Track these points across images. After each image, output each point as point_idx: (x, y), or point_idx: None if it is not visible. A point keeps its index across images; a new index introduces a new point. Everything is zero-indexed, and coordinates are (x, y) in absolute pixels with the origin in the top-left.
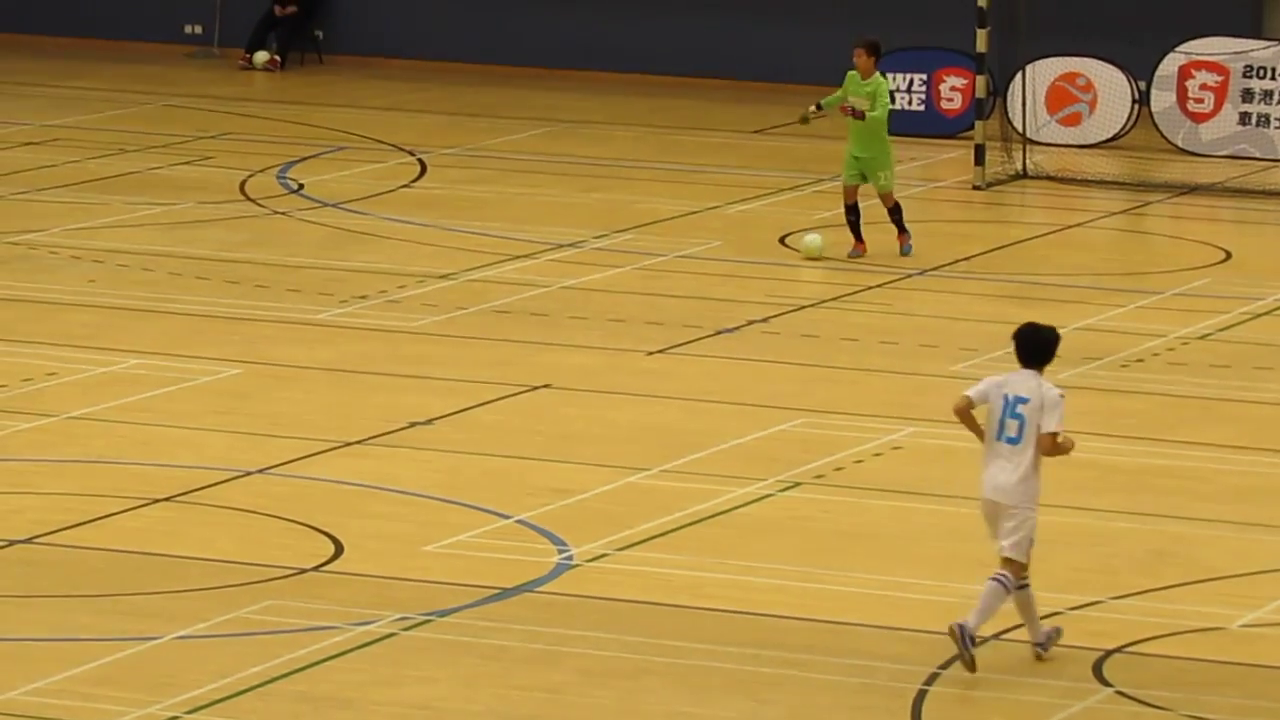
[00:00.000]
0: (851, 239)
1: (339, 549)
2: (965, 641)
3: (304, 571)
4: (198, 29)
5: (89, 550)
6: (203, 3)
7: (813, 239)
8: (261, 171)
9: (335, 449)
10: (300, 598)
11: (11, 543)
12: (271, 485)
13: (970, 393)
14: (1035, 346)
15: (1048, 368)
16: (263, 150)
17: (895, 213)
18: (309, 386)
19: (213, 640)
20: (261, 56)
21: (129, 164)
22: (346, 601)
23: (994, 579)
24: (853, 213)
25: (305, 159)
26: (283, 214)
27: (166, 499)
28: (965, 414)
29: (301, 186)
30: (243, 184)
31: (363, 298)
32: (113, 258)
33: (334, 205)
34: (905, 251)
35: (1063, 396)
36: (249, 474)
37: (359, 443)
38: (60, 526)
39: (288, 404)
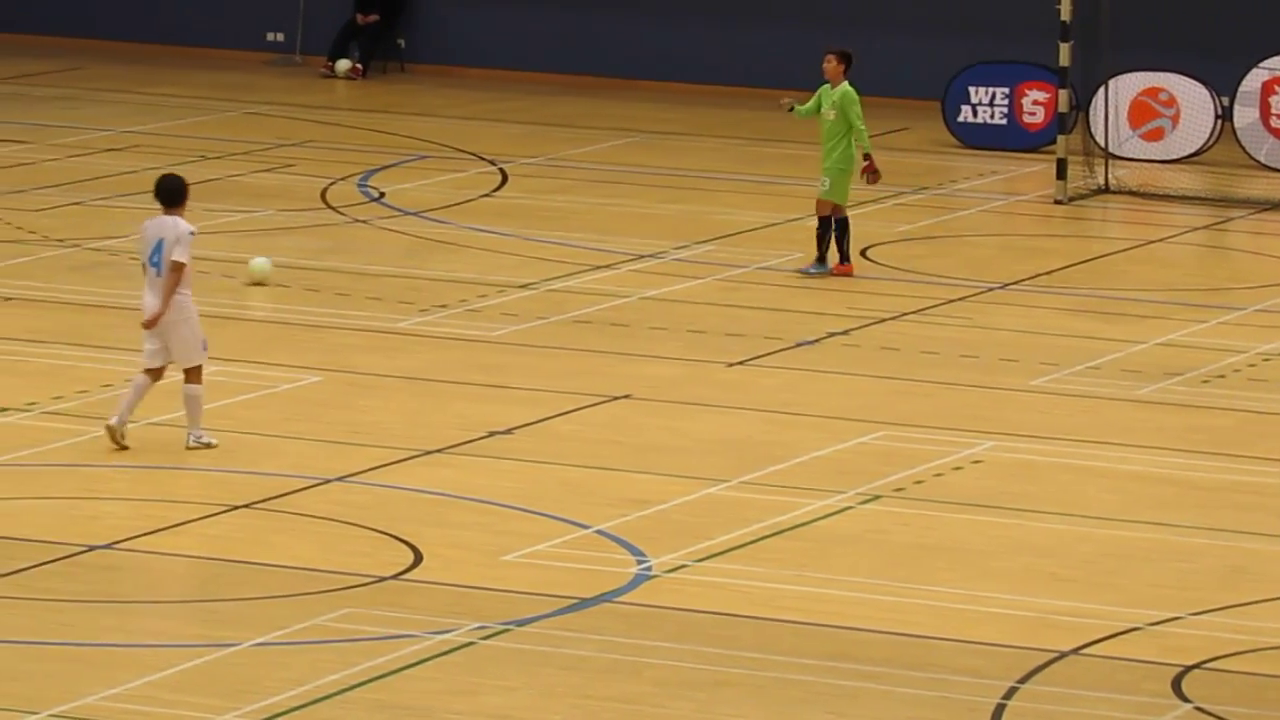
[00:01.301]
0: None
1: (418, 557)
2: None
3: (383, 580)
4: (280, 36)
5: (168, 556)
6: (285, 10)
7: (258, 263)
8: (342, 179)
9: (415, 457)
10: (379, 606)
11: (91, 548)
12: (351, 493)
13: None
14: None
15: None
16: (344, 158)
17: (828, 228)
18: (389, 395)
19: (291, 648)
20: (343, 64)
21: (210, 171)
22: (425, 610)
23: None
24: (822, 226)
25: (386, 167)
26: (363, 222)
27: (246, 506)
28: None
29: (382, 195)
30: (324, 192)
31: (443, 306)
32: (193, 264)
33: (414, 214)
34: (807, 270)
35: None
36: (328, 482)
37: (438, 451)
38: (140, 532)
39: (367, 412)
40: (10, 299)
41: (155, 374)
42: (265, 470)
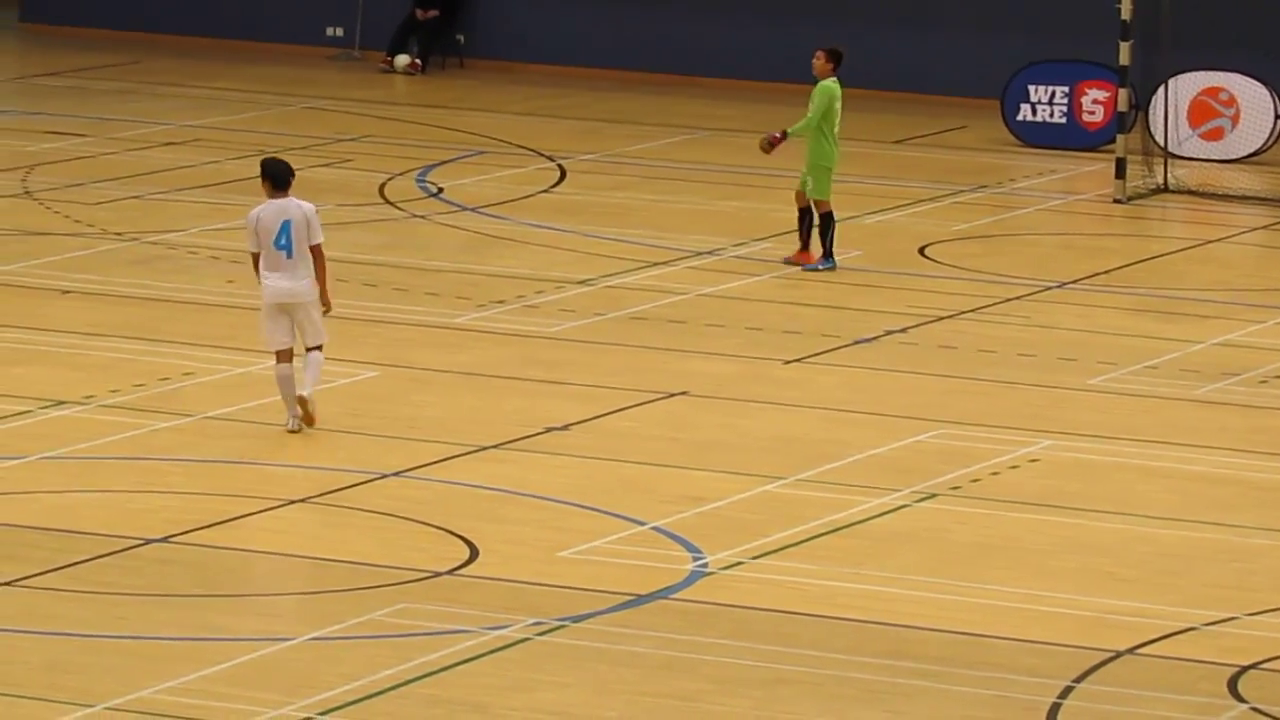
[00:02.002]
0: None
1: (474, 553)
2: None
3: (439, 575)
4: (339, 31)
5: (225, 550)
6: (345, 5)
7: None
8: (401, 175)
9: (471, 453)
10: (435, 601)
11: (147, 541)
12: (408, 488)
13: None
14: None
15: None
16: (402, 153)
17: (809, 222)
18: (446, 390)
19: (347, 642)
20: (403, 60)
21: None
22: (481, 605)
23: None
24: (803, 218)
25: (445, 163)
26: (422, 217)
27: (303, 500)
28: None
29: (441, 190)
30: (382, 187)
31: (500, 302)
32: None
33: (473, 209)
34: (807, 267)
35: None
36: (385, 477)
37: (495, 447)
38: (196, 526)
39: (425, 407)
40: (69, 292)
41: (289, 356)
42: (323, 465)
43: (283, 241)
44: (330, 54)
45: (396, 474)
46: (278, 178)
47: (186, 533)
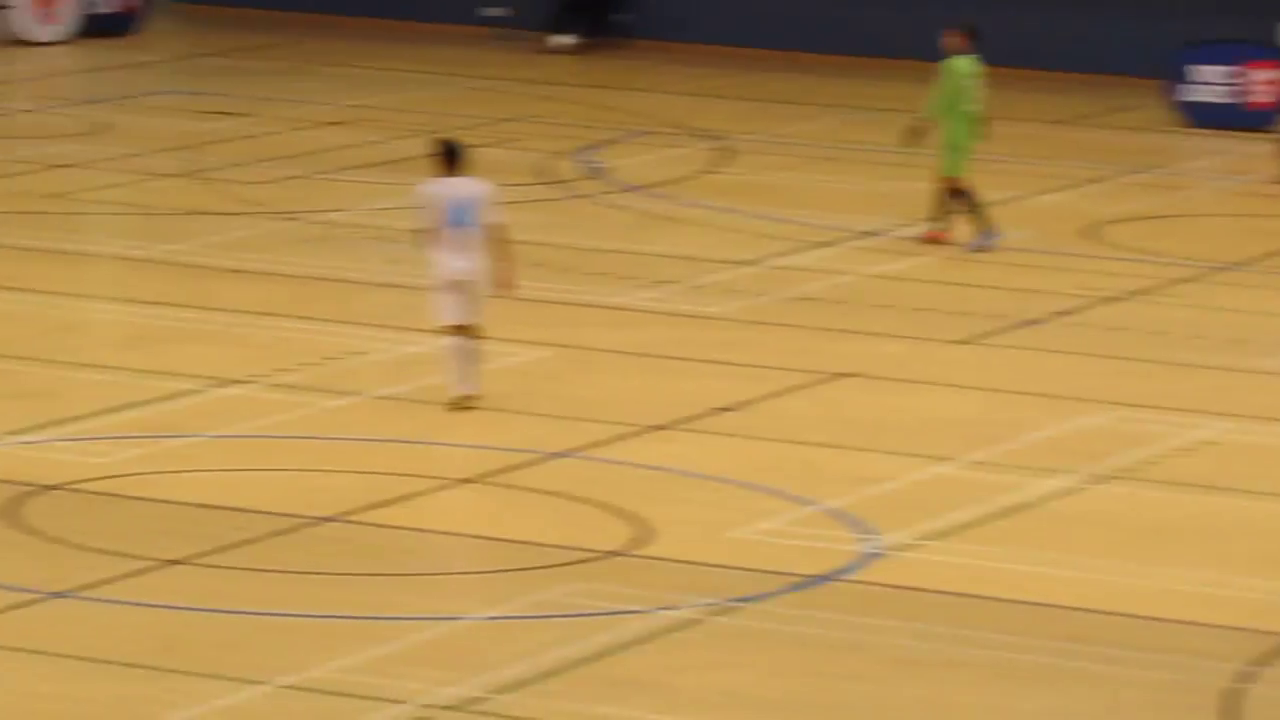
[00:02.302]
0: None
1: (645, 533)
2: None
3: (611, 555)
4: (500, 11)
5: (397, 530)
6: None
7: None
8: (563, 154)
9: (641, 433)
10: (607, 581)
11: (320, 520)
12: (579, 468)
13: None
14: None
15: None
16: (565, 133)
17: (958, 198)
18: (615, 370)
19: (519, 622)
20: (564, 39)
21: (427, 152)
22: (652, 585)
23: None
24: (956, 196)
25: (607, 143)
26: (585, 197)
27: (475, 480)
28: None
29: (604, 170)
30: (544, 167)
31: (667, 283)
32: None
33: (637, 189)
34: (971, 246)
35: None
36: (557, 456)
37: (664, 427)
38: (369, 505)
39: (595, 388)
40: (235, 271)
41: (460, 330)
42: (494, 445)
43: (459, 220)
44: (491, 33)
45: (566, 454)
46: (453, 156)
47: (359, 511)
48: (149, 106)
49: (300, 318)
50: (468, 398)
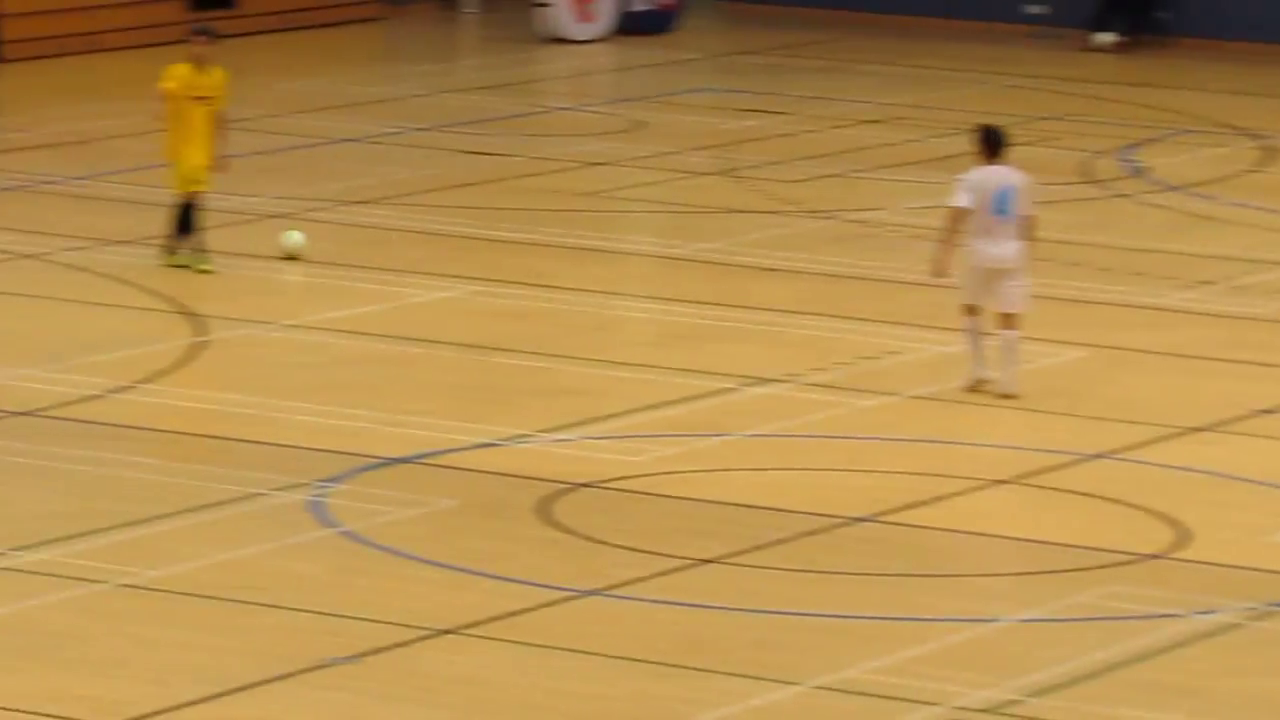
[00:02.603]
0: None
1: (1182, 536)
2: None
3: (1146, 558)
4: (1039, 9)
5: (931, 530)
6: None
7: (291, 238)
8: (1103, 153)
9: (1177, 435)
10: (1143, 584)
11: (854, 520)
12: (1113, 470)
13: None
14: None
15: None
16: (1104, 132)
17: None
18: (1151, 371)
19: (1054, 624)
20: (1104, 37)
21: (968, 144)
22: (1190, 589)
23: None
24: None
25: (1147, 142)
26: (1125, 197)
27: (1008, 481)
28: None
29: (1144, 169)
30: (1084, 166)
31: (1208, 283)
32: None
33: (1177, 189)
34: None
35: None
36: (1091, 458)
37: (1201, 429)
38: (902, 505)
39: (1130, 389)
40: (771, 270)
41: (979, 310)
42: (1029, 445)
43: (1000, 208)
44: (1030, 31)
45: (1103, 455)
46: (995, 144)
47: (892, 511)
48: (685, 104)
49: (835, 316)
50: (983, 383)
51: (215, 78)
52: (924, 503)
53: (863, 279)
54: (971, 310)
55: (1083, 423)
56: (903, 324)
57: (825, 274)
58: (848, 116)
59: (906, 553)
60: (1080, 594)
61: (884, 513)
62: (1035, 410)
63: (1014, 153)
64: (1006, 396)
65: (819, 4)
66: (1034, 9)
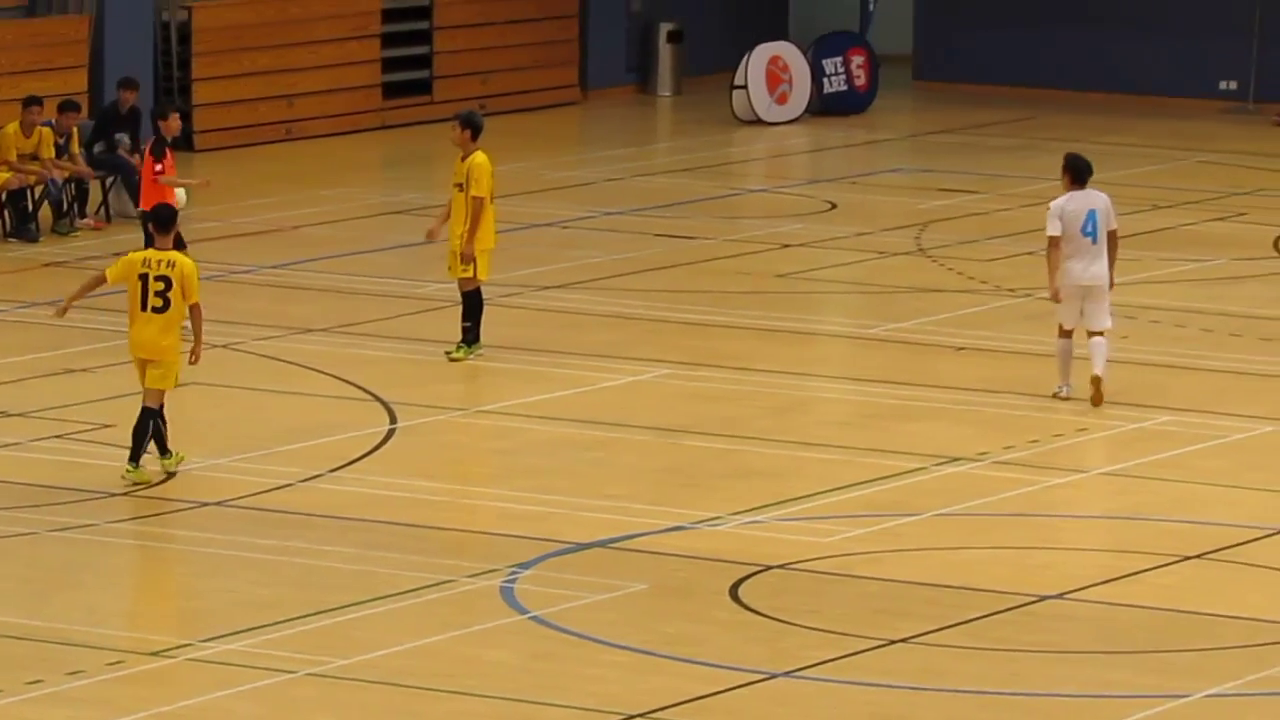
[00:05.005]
0: None
1: None
2: None
3: None
4: (1233, 85)
5: (1122, 607)
6: (1238, 58)
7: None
8: None
9: None
10: None
11: (1043, 598)
12: None
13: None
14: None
15: None
16: None
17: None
18: None
19: (1244, 699)
20: None
21: (1162, 220)
22: None
23: None
24: None
25: None
26: None
27: (1200, 556)
28: None
29: None
30: (1276, 240)
31: None
32: (1145, 313)
33: None
34: None
35: None
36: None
37: None
38: (1093, 582)
39: None
40: (964, 348)
41: (1070, 334)
42: (1219, 520)
43: (1088, 229)
44: (1224, 107)
45: None
46: (1079, 171)
47: (1083, 589)
48: (879, 184)
49: (1027, 394)
50: (1096, 391)
51: (466, 165)
52: (1114, 579)
53: (1054, 356)
54: (1064, 332)
55: (1273, 496)
56: (1087, 401)
57: (1017, 352)
58: (1040, 195)
59: (1097, 629)
60: (1271, 668)
61: (1074, 590)
62: (1228, 485)
63: (1207, 230)
64: (1096, 381)
65: (1011, 82)
66: (1227, 84)
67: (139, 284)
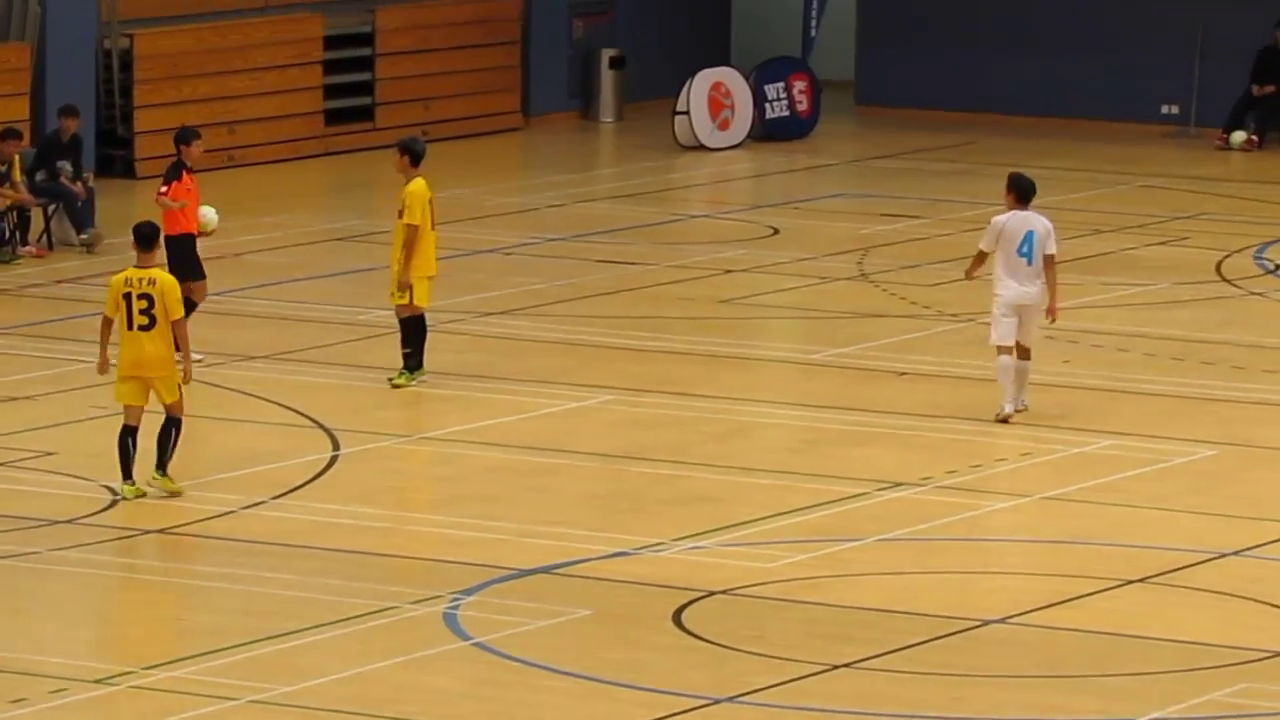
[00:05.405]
0: None
1: None
2: None
3: (1279, 655)
4: (1174, 109)
5: (1064, 631)
6: (1180, 83)
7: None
8: (1238, 252)
9: None
10: (1277, 682)
11: (986, 622)
12: (1246, 567)
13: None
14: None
15: None
16: (1239, 230)
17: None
18: None
19: None
20: (1239, 136)
21: (1104, 244)
22: None
23: None
24: None
25: None
26: (1259, 295)
27: (1141, 580)
28: None
29: (1278, 267)
30: (1219, 264)
31: None
32: (1087, 338)
33: None
34: None
35: None
36: (1223, 556)
37: None
38: (1035, 606)
39: (1263, 485)
40: (906, 373)
41: (1010, 350)
42: (1161, 544)
43: (1024, 249)
44: (1166, 131)
45: (1236, 553)
46: (1024, 191)
47: (1026, 613)
48: (821, 210)
49: (970, 419)
50: (1010, 415)
51: (402, 193)
52: (1056, 603)
53: (995, 381)
54: (1003, 349)
55: (1216, 520)
56: (1036, 426)
57: (959, 377)
58: (981, 219)
59: (1039, 654)
60: (1215, 692)
61: (1017, 614)
62: (1168, 509)
63: (1149, 254)
64: (1019, 411)
65: (952, 106)
66: (1169, 108)
67: (123, 304)
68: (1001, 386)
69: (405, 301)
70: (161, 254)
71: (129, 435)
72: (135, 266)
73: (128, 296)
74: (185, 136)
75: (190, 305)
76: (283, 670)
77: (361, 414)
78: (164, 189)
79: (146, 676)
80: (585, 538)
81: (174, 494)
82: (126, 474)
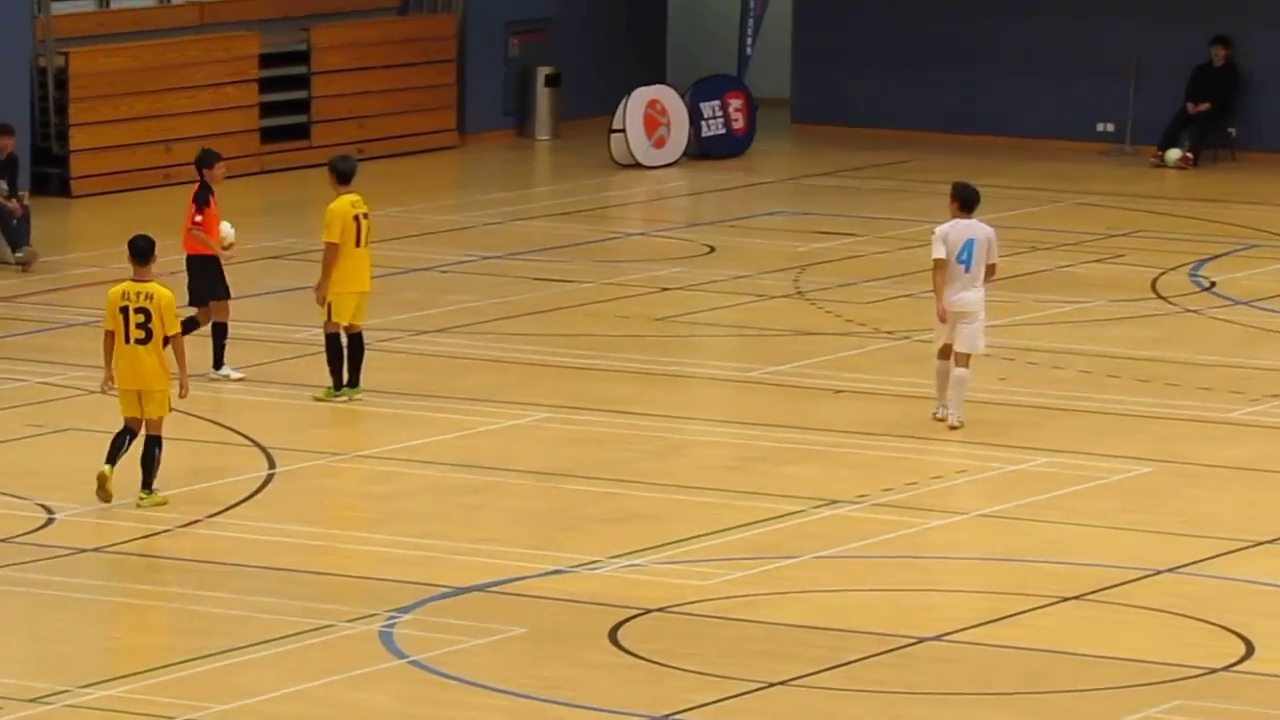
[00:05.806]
0: None
1: (1249, 649)
2: None
3: (1214, 671)
4: (1110, 127)
5: (1000, 648)
6: (1116, 101)
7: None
8: (1173, 269)
9: (1246, 548)
10: (1211, 698)
11: (922, 640)
12: (1182, 584)
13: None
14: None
15: None
16: (1174, 248)
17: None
18: (1220, 485)
19: None
20: (1174, 154)
21: (1040, 262)
22: (1259, 703)
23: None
24: None
25: (1217, 257)
26: (1194, 312)
27: (1078, 597)
28: None
29: (1213, 284)
30: (1154, 281)
31: (1275, 396)
32: (1023, 355)
33: (1246, 303)
34: None
35: None
36: (1159, 573)
37: (1271, 542)
38: (971, 624)
39: (1199, 502)
40: (842, 391)
41: (948, 353)
42: (1097, 561)
43: (963, 257)
44: (1101, 149)
45: (1171, 569)
46: (967, 199)
47: (961, 630)
48: (757, 227)
49: (906, 437)
50: (946, 421)
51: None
52: (993, 620)
53: (933, 399)
54: (943, 352)
55: (1151, 537)
56: (972, 443)
57: (895, 394)
58: (917, 237)
59: (976, 671)
60: (1150, 709)
61: (953, 631)
62: (1104, 526)
63: (1087, 271)
64: (954, 429)
65: (888, 124)
66: (1105, 127)
67: (121, 317)
68: (938, 387)
69: (325, 319)
70: (157, 266)
71: (127, 434)
72: (132, 280)
73: (124, 310)
74: (208, 160)
75: (192, 324)
76: (218, 689)
77: (297, 432)
78: (198, 218)
79: (82, 695)
80: (521, 556)
81: (160, 504)
82: (111, 459)
